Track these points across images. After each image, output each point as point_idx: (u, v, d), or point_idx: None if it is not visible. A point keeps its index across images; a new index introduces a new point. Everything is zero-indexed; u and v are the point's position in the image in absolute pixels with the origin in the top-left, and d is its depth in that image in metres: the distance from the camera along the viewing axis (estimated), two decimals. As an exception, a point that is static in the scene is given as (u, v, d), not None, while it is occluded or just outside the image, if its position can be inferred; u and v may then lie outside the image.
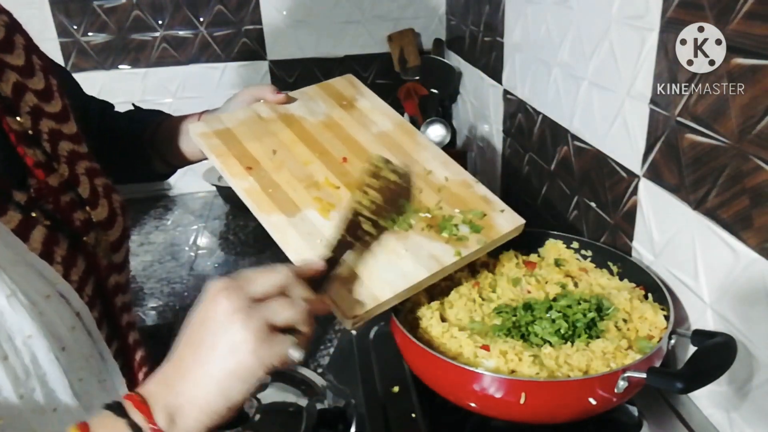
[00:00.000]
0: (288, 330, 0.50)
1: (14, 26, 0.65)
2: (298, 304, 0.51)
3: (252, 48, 1.69)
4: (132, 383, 0.64)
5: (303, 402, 0.83)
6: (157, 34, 1.65)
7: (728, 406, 0.69)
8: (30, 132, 0.59)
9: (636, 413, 0.74)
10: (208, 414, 0.47)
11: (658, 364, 0.66)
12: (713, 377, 0.60)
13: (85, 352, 0.56)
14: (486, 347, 0.66)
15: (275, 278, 0.51)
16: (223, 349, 0.47)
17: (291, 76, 1.74)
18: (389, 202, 0.71)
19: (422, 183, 0.79)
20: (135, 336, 0.69)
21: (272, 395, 0.86)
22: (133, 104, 0.97)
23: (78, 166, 0.63)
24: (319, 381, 0.87)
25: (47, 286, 0.53)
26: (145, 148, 0.91)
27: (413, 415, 0.74)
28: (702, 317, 0.71)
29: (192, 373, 0.48)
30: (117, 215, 0.66)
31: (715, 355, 0.62)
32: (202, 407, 0.47)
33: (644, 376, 0.60)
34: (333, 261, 0.63)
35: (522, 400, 0.61)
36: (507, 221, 0.78)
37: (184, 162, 0.93)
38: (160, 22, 1.63)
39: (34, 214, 0.55)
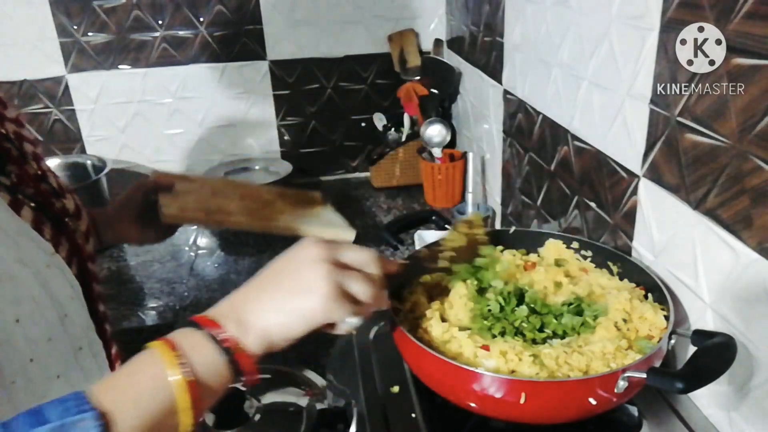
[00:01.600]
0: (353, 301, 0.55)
1: None
2: (372, 284, 0.56)
3: (252, 48, 1.69)
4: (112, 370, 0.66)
5: (303, 402, 0.83)
6: (157, 34, 1.65)
7: (728, 406, 0.69)
8: (1, 130, 0.62)
9: (636, 413, 0.74)
10: (268, 338, 0.51)
11: (658, 364, 0.66)
12: (713, 377, 0.60)
13: (82, 322, 0.59)
14: (486, 347, 0.66)
15: (363, 254, 0.58)
16: (300, 286, 0.52)
17: (291, 76, 1.74)
18: (468, 252, 0.80)
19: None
20: (109, 328, 0.71)
21: (272, 395, 0.86)
22: None
23: (42, 165, 0.66)
24: (319, 381, 0.87)
25: (46, 256, 0.56)
26: None
27: (413, 415, 0.74)
28: (702, 317, 0.71)
29: (264, 297, 0.53)
30: (81, 210, 0.70)
31: (715, 355, 0.62)
32: (265, 329, 0.51)
33: (644, 376, 0.60)
34: (404, 270, 0.68)
35: (522, 400, 0.61)
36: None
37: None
38: (160, 22, 1.63)
39: (20, 196, 0.58)
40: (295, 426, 0.81)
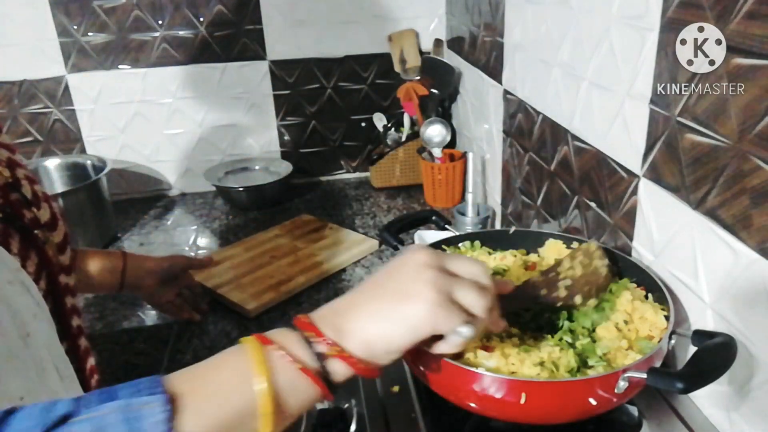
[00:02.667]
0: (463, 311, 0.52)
1: None
2: (485, 295, 0.53)
3: (252, 48, 1.69)
4: (86, 388, 0.64)
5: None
6: (157, 34, 1.65)
7: (728, 406, 0.69)
8: None
9: (636, 413, 0.74)
10: (368, 349, 0.49)
11: (658, 364, 0.66)
12: (714, 377, 0.60)
13: (48, 341, 0.56)
14: (487, 348, 0.66)
15: (474, 266, 0.55)
16: (404, 293, 0.50)
17: (291, 76, 1.74)
18: (588, 282, 0.72)
19: None
20: (85, 343, 0.68)
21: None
22: None
23: (18, 172, 0.63)
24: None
25: (9, 272, 0.53)
26: None
27: (413, 415, 0.74)
28: (702, 317, 0.71)
29: (366, 304, 0.50)
30: (58, 219, 0.67)
31: (715, 355, 0.62)
32: (365, 339, 0.49)
33: (644, 376, 0.60)
34: (517, 294, 0.66)
35: (522, 401, 0.61)
36: None
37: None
38: (160, 22, 1.63)
39: None
40: (295, 426, 0.80)
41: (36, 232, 0.61)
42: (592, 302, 0.70)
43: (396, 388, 0.79)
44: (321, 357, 0.47)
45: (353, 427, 0.74)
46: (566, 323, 0.71)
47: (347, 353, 0.48)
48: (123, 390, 0.41)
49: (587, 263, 0.73)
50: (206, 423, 0.42)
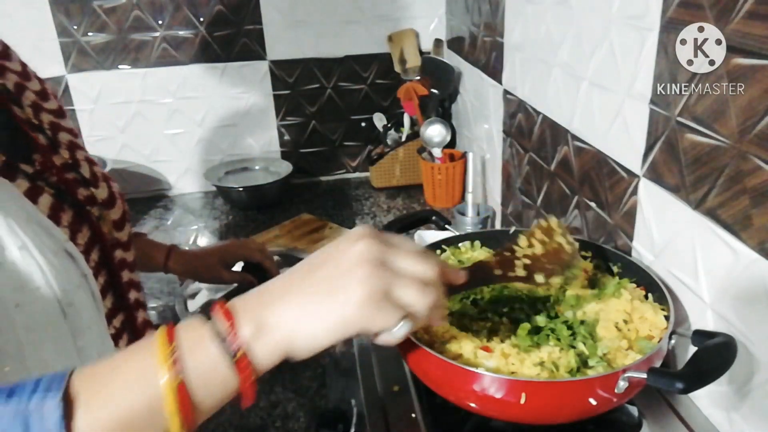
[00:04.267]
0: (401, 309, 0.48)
1: (5, 45, 0.73)
2: (428, 296, 0.49)
3: (252, 48, 1.69)
4: None
5: (303, 402, 0.83)
6: (157, 34, 1.65)
7: (728, 406, 0.69)
8: (34, 121, 0.64)
9: (636, 413, 0.74)
10: (288, 346, 0.45)
11: (658, 364, 0.66)
12: (714, 377, 0.60)
13: (89, 313, 0.57)
14: (487, 348, 0.66)
15: (422, 267, 0.49)
16: (333, 289, 0.46)
17: (291, 76, 1.74)
18: (550, 260, 0.68)
19: None
20: (144, 315, 0.72)
21: (272, 395, 0.86)
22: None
23: (78, 154, 0.67)
24: (320, 381, 0.87)
25: (56, 244, 0.54)
26: None
27: (413, 415, 0.74)
28: (702, 317, 0.71)
29: (293, 297, 0.46)
30: (116, 198, 0.70)
31: (715, 355, 0.62)
32: (286, 335, 0.45)
33: (644, 376, 0.60)
34: (470, 278, 0.61)
35: (522, 401, 0.61)
36: None
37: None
38: (160, 22, 1.63)
39: (39, 184, 0.59)
40: (295, 426, 0.80)
41: (90, 208, 0.64)
42: (556, 280, 0.66)
43: (396, 388, 0.79)
44: (231, 354, 0.44)
45: (353, 427, 0.74)
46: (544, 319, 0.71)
47: (246, 361, 0.44)
48: (21, 387, 0.39)
49: (547, 241, 0.69)
50: (105, 424, 0.40)
